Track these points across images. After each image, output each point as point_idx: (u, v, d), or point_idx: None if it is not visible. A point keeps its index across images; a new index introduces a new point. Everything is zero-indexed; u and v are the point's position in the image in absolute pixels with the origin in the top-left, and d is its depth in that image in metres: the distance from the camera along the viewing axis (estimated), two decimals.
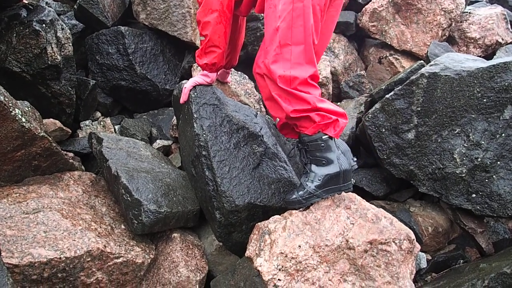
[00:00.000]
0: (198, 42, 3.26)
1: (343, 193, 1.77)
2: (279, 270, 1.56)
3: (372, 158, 2.88)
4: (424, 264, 2.32)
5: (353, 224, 1.69)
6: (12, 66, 2.39)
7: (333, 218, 1.69)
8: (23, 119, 1.93)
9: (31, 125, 1.98)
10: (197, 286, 1.87)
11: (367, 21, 3.62)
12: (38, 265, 1.52)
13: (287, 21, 1.64)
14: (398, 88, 2.37)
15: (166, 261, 1.92)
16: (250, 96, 3.19)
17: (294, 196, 1.71)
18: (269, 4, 1.72)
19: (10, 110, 1.86)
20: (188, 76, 3.29)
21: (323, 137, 1.69)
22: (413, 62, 3.46)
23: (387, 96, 2.39)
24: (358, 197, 1.79)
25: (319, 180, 1.70)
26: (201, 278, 1.91)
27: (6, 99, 1.85)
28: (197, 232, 2.19)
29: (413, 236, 1.72)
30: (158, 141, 2.91)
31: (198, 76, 2.03)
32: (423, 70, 2.32)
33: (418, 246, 1.76)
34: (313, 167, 1.72)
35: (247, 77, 3.29)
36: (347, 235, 1.66)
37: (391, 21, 3.56)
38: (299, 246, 1.59)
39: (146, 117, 3.17)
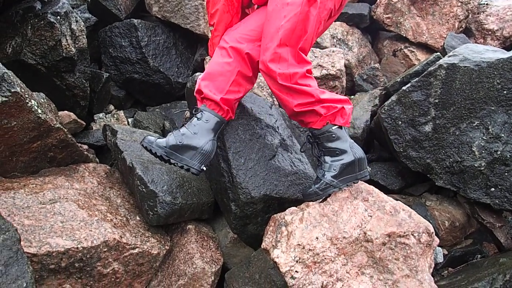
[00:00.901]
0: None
1: (360, 185, 1.74)
2: (296, 262, 1.54)
3: (386, 151, 2.85)
4: (440, 259, 2.29)
5: (371, 216, 1.66)
6: (27, 59, 2.40)
7: (350, 210, 1.66)
8: (39, 110, 1.94)
9: (47, 117, 1.98)
10: (213, 277, 1.86)
11: (382, 13, 3.57)
12: (56, 254, 1.52)
13: (291, 22, 1.62)
14: (415, 80, 2.32)
15: (181, 253, 1.92)
16: (263, 89, 3.18)
17: (311, 189, 1.69)
18: (278, 1, 1.69)
19: (26, 101, 1.87)
20: (201, 69, 3.28)
21: (333, 128, 1.67)
22: (428, 55, 3.40)
23: (403, 88, 2.35)
24: (376, 190, 1.76)
25: (335, 170, 1.67)
26: (217, 269, 1.90)
27: (22, 90, 1.86)
28: (211, 224, 2.19)
29: (432, 229, 1.69)
30: None
31: None
32: (441, 61, 2.27)
33: (436, 240, 1.73)
34: (327, 158, 1.70)
35: None
36: (365, 227, 1.63)
37: (406, 13, 3.50)
38: (317, 238, 1.57)
39: (158, 110, 3.17)
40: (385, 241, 1.62)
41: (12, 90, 1.79)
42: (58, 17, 2.43)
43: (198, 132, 1.68)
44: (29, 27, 2.43)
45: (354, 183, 1.72)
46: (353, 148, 1.70)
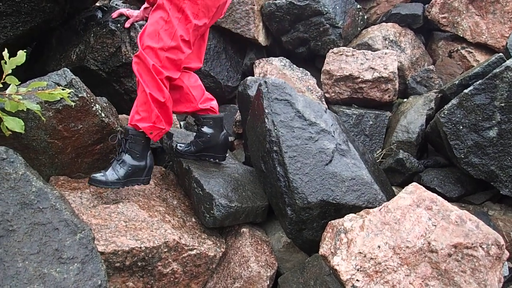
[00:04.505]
0: (260, 39, 3.26)
1: (423, 193, 1.68)
2: (357, 270, 1.51)
3: (443, 157, 2.73)
4: (506, 272, 2.15)
5: (435, 225, 1.59)
6: (90, 65, 2.52)
7: (413, 218, 1.60)
8: (103, 114, 2.03)
9: (110, 120, 2.08)
10: (268, 281, 1.86)
11: (437, 13, 3.43)
12: (121, 253, 1.58)
13: None
14: (478, 82, 2.20)
15: (236, 256, 1.93)
16: (312, 93, 3.15)
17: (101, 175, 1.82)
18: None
19: (92, 105, 1.97)
20: (250, 73, 3.31)
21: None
22: (488, 56, 3.22)
23: (465, 91, 2.24)
24: (440, 198, 1.69)
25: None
26: (272, 274, 1.90)
27: (88, 95, 1.96)
28: (264, 228, 2.19)
29: (502, 241, 1.59)
30: None
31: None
32: (508, 63, 2.14)
33: (507, 253, 1.63)
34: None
35: (309, 73, 3.25)
36: (429, 237, 1.57)
37: (464, 12, 3.34)
38: (379, 247, 1.53)
39: None
40: (450, 252, 1.55)
41: (79, 95, 1.89)
42: (119, 24, 2.53)
43: None
44: (92, 35, 2.56)
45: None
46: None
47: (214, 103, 2.19)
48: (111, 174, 1.83)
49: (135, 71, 1.84)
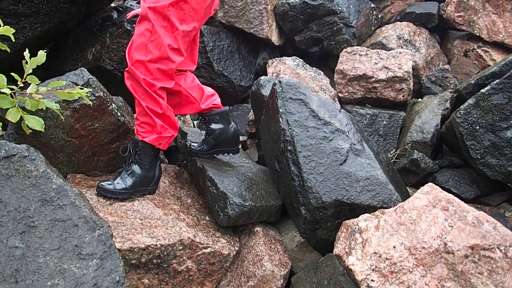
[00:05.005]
0: (273, 39, 3.27)
1: (439, 193, 1.66)
2: (373, 270, 1.50)
3: (458, 157, 2.69)
4: None
5: (451, 226, 1.58)
6: (105, 65, 2.56)
7: (429, 219, 1.59)
8: (119, 113, 2.06)
9: (125, 119, 2.10)
10: (282, 280, 1.87)
11: (453, 12, 3.39)
12: (137, 250, 1.61)
13: None
14: (495, 82, 2.17)
15: (250, 254, 1.94)
16: (325, 92, 3.14)
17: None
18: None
19: (108, 105, 2.00)
20: (263, 72, 3.31)
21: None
22: (505, 55, 3.17)
23: (482, 90, 2.21)
24: (457, 199, 1.67)
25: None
26: (285, 273, 1.90)
27: (105, 95, 1.99)
28: (277, 227, 2.20)
29: None
30: None
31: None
32: None
33: None
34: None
35: (322, 73, 3.24)
36: (445, 238, 1.55)
37: (481, 11, 3.29)
38: (394, 247, 1.52)
39: None
40: (467, 253, 1.53)
41: (96, 95, 1.92)
42: (134, 25, 2.56)
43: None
44: (108, 35, 2.59)
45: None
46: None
47: (216, 99, 2.14)
48: (119, 183, 1.86)
49: (128, 86, 1.82)
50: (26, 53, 1.42)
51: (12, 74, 1.41)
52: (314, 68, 3.24)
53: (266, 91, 2.42)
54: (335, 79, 3.13)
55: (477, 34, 3.32)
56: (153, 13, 1.71)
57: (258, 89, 2.53)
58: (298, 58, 3.24)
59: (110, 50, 2.55)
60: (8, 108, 1.38)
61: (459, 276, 1.52)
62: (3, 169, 1.18)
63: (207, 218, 2.02)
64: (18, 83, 1.40)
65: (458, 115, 2.27)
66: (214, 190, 1.94)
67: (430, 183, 1.74)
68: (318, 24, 3.25)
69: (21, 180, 1.19)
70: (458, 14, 3.37)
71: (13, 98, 1.41)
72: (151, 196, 1.94)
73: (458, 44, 3.50)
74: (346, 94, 3.09)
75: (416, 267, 1.52)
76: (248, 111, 3.18)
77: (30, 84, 1.46)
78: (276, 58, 3.24)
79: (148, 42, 1.73)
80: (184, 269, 1.75)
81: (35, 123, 1.41)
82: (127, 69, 1.79)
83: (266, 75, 3.19)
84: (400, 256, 1.51)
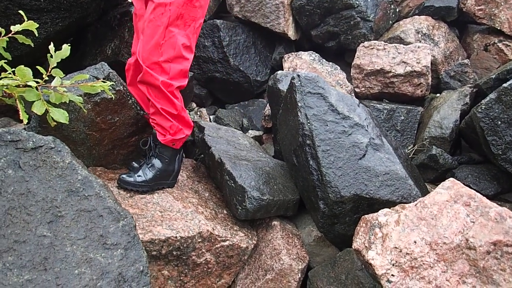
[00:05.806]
0: (290, 33, 3.25)
1: (461, 188, 1.64)
2: (393, 265, 1.50)
3: (478, 153, 2.65)
4: None
5: (473, 222, 1.56)
6: (124, 59, 2.58)
7: (451, 214, 1.57)
8: (138, 107, 2.08)
9: (144, 113, 2.13)
10: (299, 274, 1.87)
11: (473, 5, 3.32)
12: (157, 242, 1.63)
13: None
14: None
15: (268, 248, 1.95)
16: (342, 87, 3.12)
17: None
18: None
19: (128, 99, 2.02)
20: (279, 67, 3.31)
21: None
22: None
23: (505, 85, 2.17)
24: (479, 194, 1.64)
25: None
26: (303, 267, 1.91)
27: (125, 89, 2.01)
28: (294, 221, 2.20)
29: None
30: (250, 131, 2.97)
31: None
32: None
33: None
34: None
35: (338, 67, 3.22)
36: (467, 233, 1.53)
37: (502, 4, 3.21)
38: (415, 242, 1.51)
39: (237, 107, 3.25)
40: (489, 249, 1.51)
41: (117, 89, 1.94)
42: None
43: None
44: (126, 29, 2.62)
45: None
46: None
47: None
48: (140, 176, 1.88)
49: (144, 89, 1.81)
50: (51, 47, 1.44)
51: (38, 67, 1.43)
52: (330, 62, 3.22)
53: (282, 86, 2.41)
54: (351, 74, 3.10)
55: (498, 28, 3.25)
56: (168, 11, 1.68)
57: (274, 83, 2.53)
58: (314, 52, 3.22)
59: (129, 45, 2.58)
60: (34, 101, 1.40)
61: (481, 272, 1.51)
62: (31, 160, 1.21)
63: (225, 211, 2.04)
64: (43, 76, 1.43)
65: (479, 110, 2.23)
66: (232, 184, 1.95)
67: (451, 178, 1.72)
68: (335, 18, 3.22)
69: (48, 171, 1.21)
70: (479, 7, 3.30)
71: (38, 91, 1.44)
72: (170, 189, 1.96)
73: (478, 38, 3.43)
74: (363, 89, 3.06)
75: (437, 262, 1.50)
76: (264, 106, 3.18)
77: (53, 77, 1.49)
78: (292, 53, 3.23)
79: (162, 41, 1.71)
80: (203, 262, 1.77)
81: (60, 116, 1.44)
82: (142, 73, 1.77)
83: (282, 70, 3.18)
84: (421, 251, 1.50)
